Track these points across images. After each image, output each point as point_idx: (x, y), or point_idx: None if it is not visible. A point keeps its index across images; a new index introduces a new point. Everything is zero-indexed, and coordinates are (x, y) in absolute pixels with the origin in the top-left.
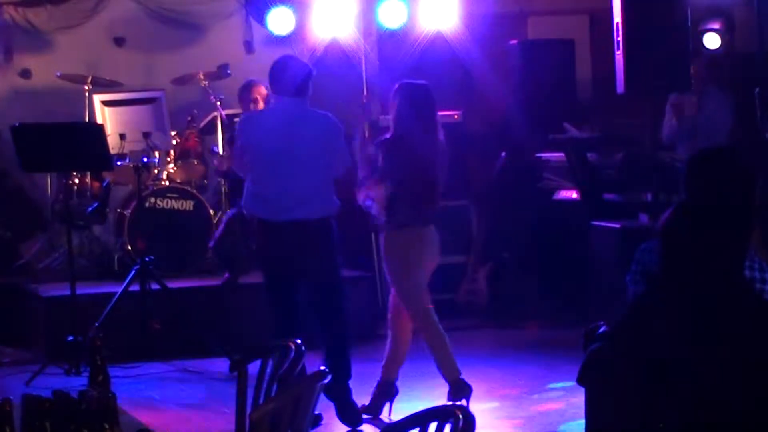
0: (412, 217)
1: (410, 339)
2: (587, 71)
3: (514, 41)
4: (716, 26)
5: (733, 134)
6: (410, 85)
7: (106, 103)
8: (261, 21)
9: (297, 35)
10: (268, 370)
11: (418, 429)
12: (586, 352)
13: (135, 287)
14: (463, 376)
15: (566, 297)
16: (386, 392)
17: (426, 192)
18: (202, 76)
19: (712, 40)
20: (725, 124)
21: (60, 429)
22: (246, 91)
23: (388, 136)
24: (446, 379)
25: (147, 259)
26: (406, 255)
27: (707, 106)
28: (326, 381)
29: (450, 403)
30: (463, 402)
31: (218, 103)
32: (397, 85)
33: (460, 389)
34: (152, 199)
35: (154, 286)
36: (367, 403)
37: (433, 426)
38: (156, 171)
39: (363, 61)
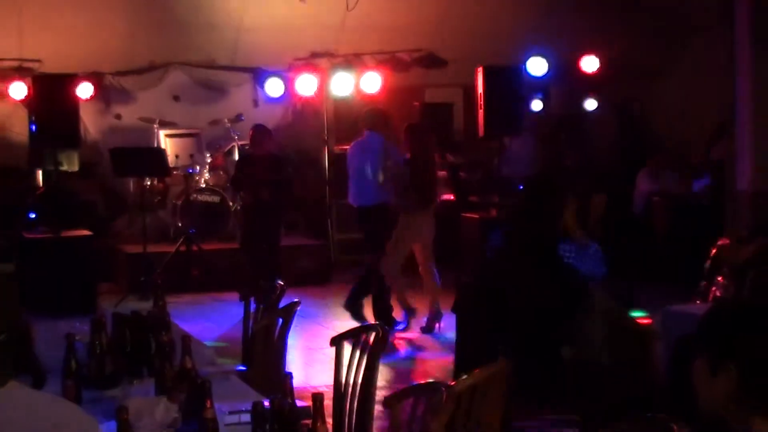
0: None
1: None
2: (461, 122)
3: (417, 103)
4: (540, 95)
5: (536, 163)
6: (415, 125)
7: (167, 136)
8: (262, 87)
9: (285, 96)
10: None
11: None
12: (457, 292)
13: (182, 248)
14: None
15: (444, 261)
16: (435, 317)
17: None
18: (226, 120)
19: (536, 105)
20: (530, 155)
21: (134, 334)
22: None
23: (408, 156)
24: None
25: (190, 231)
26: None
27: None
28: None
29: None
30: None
31: (235, 137)
32: (406, 126)
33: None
34: (194, 195)
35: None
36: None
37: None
38: (197, 177)
39: (324, 113)
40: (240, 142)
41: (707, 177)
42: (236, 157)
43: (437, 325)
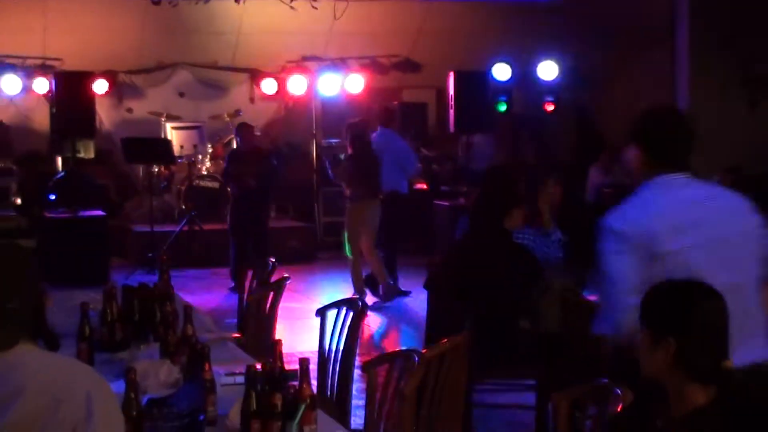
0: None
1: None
2: (434, 120)
3: (396, 102)
4: (504, 98)
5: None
6: (356, 123)
7: (173, 128)
8: (258, 86)
9: (278, 94)
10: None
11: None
12: (429, 270)
13: (185, 228)
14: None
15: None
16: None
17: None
18: (226, 115)
19: (501, 106)
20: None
21: (142, 304)
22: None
23: (350, 152)
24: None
25: (192, 213)
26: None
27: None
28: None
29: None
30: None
31: (257, 132)
32: (347, 124)
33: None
34: (196, 181)
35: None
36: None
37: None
38: (199, 165)
39: (313, 110)
40: (259, 133)
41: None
42: (234, 146)
43: (392, 295)
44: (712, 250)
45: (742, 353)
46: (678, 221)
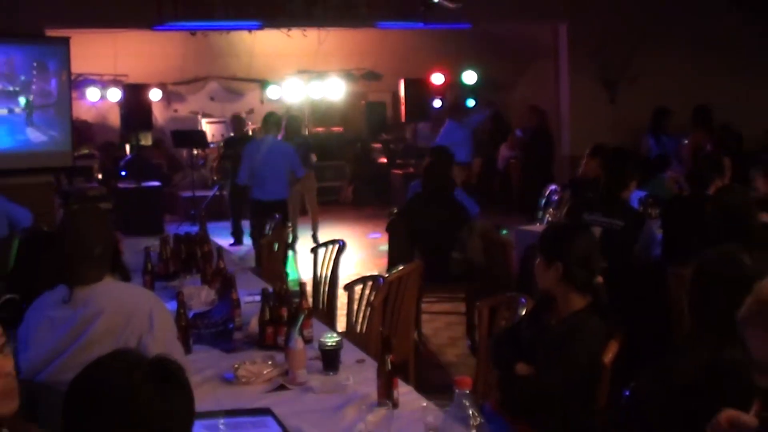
0: None
1: None
2: (390, 113)
3: (363, 102)
4: (439, 97)
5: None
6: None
7: (207, 122)
8: (266, 92)
9: (281, 99)
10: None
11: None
12: (389, 219)
13: (216, 193)
14: None
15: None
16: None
17: None
18: (243, 113)
19: (437, 103)
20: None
21: (187, 246)
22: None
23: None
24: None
25: (221, 182)
26: None
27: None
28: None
29: None
30: None
31: (249, 123)
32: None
33: None
34: (223, 160)
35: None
36: None
37: None
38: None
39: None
40: (251, 126)
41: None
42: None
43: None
44: None
45: None
46: None
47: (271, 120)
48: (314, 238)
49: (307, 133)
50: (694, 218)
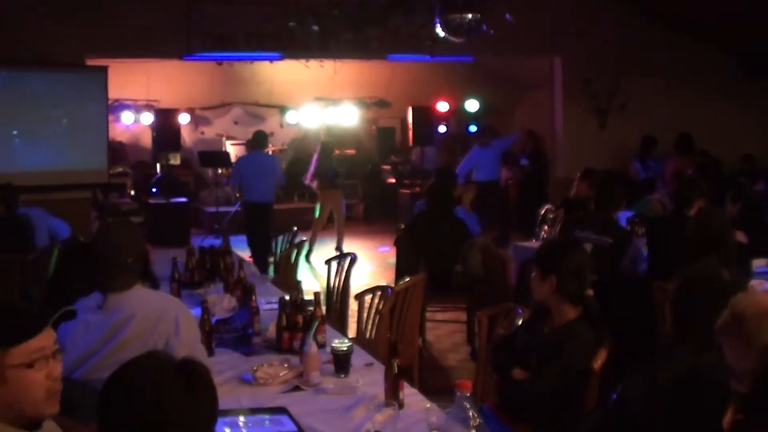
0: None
1: None
2: (399, 137)
3: (374, 127)
4: (444, 123)
5: (438, 162)
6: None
7: (231, 144)
8: (285, 116)
9: (299, 123)
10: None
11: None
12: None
13: (239, 209)
14: None
15: (387, 217)
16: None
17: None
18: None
19: (442, 128)
20: (433, 158)
21: (211, 257)
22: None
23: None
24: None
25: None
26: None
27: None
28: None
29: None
30: None
31: (270, 145)
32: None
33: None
34: None
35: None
36: None
37: None
38: None
39: (321, 133)
40: (272, 149)
41: (525, 159)
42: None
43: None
44: None
45: None
46: None
47: (259, 137)
48: (339, 249)
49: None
50: (676, 236)
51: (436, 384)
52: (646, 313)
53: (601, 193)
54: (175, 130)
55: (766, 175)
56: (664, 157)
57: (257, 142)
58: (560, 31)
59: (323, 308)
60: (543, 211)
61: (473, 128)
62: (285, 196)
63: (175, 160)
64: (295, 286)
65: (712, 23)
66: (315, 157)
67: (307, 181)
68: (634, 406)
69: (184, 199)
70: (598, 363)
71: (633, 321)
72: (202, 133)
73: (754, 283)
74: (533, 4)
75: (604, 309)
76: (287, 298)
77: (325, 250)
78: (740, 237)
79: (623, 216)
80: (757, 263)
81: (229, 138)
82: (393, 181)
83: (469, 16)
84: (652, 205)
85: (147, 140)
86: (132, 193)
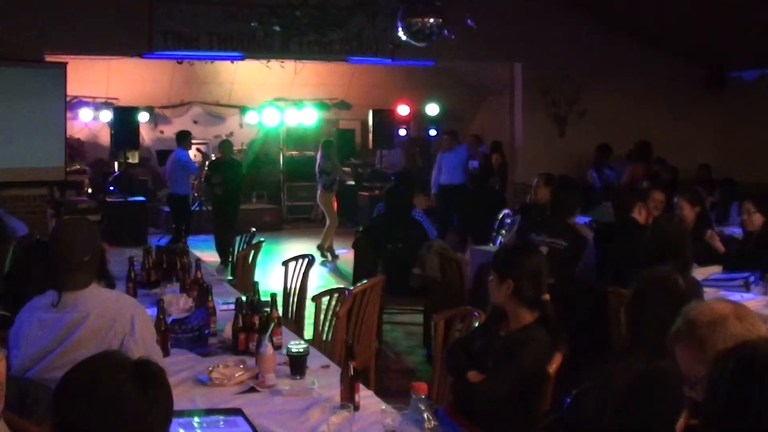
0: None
1: None
2: (359, 140)
3: (334, 128)
4: (404, 126)
5: (398, 165)
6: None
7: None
8: (245, 117)
9: (259, 124)
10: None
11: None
12: (356, 236)
13: (198, 208)
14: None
15: (348, 219)
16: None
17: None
18: (224, 136)
19: (402, 132)
20: (397, 160)
21: (168, 257)
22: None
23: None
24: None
25: (201, 199)
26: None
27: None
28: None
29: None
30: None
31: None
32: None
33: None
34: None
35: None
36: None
37: None
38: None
39: (281, 133)
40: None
41: (476, 161)
42: None
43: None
44: None
45: None
46: None
47: (178, 136)
48: (321, 249)
49: (281, 155)
50: (623, 241)
51: (393, 386)
52: (599, 317)
53: (558, 199)
54: (134, 129)
55: (721, 186)
56: (622, 164)
57: (182, 140)
58: (521, 38)
59: (280, 310)
60: (501, 216)
61: (433, 132)
62: (244, 197)
63: (134, 158)
64: (252, 287)
65: (672, 34)
66: (319, 156)
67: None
68: (587, 410)
69: (141, 198)
70: (553, 367)
71: (588, 325)
72: (162, 132)
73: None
74: (495, 10)
75: (559, 312)
76: (243, 298)
77: (282, 248)
78: (715, 240)
79: (580, 221)
80: (711, 270)
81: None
82: (352, 183)
83: (431, 20)
84: (610, 211)
85: (105, 138)
86: (89, 191)
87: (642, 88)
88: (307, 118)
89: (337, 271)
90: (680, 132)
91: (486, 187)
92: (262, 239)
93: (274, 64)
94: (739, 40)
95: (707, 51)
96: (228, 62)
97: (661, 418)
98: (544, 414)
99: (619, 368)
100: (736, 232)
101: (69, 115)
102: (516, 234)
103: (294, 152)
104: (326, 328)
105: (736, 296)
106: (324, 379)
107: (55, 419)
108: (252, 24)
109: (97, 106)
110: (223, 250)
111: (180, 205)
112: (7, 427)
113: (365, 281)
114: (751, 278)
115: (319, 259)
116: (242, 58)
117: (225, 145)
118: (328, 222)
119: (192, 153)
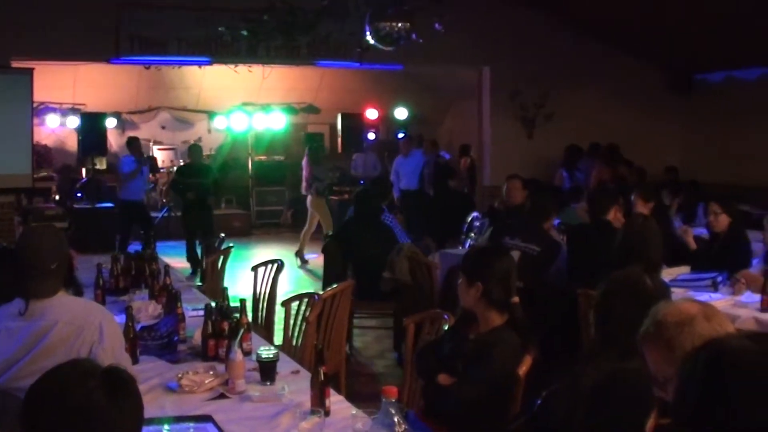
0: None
1: None
2: (328, 144)
3: (303, 133)
4: (373, 130)
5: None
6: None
7: (158, 149)
8: (213, 122)
9: (227, 128)
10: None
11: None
12: (325, 241)
13: (166, 214)
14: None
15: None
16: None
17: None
18: (192, 141)
19: (371, 135)
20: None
21: (137, 263)
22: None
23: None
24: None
25: (170, 204)
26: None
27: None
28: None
29: None
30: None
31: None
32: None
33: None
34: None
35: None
36: None
37: None
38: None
39: (249, 138)
40: (206, 153)
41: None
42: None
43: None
44: None
45: None
46: None
47: (133, 144)
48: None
49: (249, 160)
50: (596, 243)
51: (363, 390)
52: (570, 320)
53: (535, 203)
54: (102, 135)
55: (687, 188)
56: (590, 166)
57: (132, 149)
58: (489, 42)
59: (249, 316)
60: (470, 219)
61: (402, 136)
62: (213, 202)
63: (101, 164)
64: (221, 293)
65: (639, 38)
66: (305, 163)
67: (304, 191)
68: (557, 412)
69: (109, 205)
70: (523, 369)
71: (560, 328)
72: (129, 137)
73: (678, 290)
74: (463, 14)
75: (529, 315)
76: (213, 304)
77: (251, 253)
78: (689, 235)
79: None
80: (679, 271)
81: (156, 143)
82: None
83: (399, 24)
84: (578, 213)
85: (73, 144)
86: (57, 197)
87: (609, 90)
88: (276, 122)
89: (307, 276)
90: (647, 134)
91: (447, 188)
92: (231, 245)
93: (241, 68)
94: (704, 43)
95: (673, 54)
96: (195, 67)
97: (630, 418)
98: (514, 416)
99: (588, 369)
100: (703, 233)
101: (36, 121)
102: (489, 236)
103: (263, 157)
104: (296, 334)
105: (704, 296)
106: (294, 384)
107: (24, 428)
108: (220, 29)
109: (64, 112)
110: (193, 256)
111: (133, 212)
112: None
113: (335, 286)
114: (719, 278)
115: (296, 264)
116: (210, 63)
117: (194, 149)
118: (306, 226)
119: (161, 158)
